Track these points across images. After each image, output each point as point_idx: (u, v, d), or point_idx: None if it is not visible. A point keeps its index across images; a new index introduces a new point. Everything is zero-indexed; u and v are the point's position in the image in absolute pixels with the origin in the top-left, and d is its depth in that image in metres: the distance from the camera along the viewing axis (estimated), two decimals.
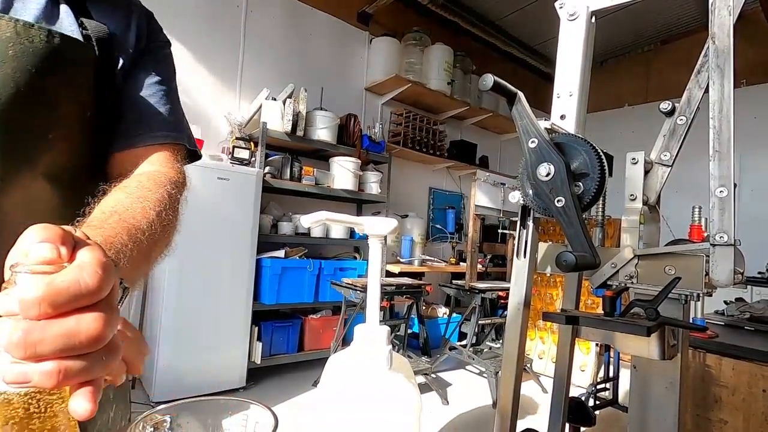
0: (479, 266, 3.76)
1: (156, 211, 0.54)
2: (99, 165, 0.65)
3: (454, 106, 4.60)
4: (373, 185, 3.80)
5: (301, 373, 3.21)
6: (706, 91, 0.84)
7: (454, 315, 3.97)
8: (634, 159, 1.05)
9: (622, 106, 5.80)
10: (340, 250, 3.84)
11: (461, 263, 4.35)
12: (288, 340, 3.23)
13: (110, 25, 0.64)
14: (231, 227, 2.82)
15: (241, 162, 3.05)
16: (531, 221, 0.94)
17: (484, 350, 3.40)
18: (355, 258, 3.80)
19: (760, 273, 3.64)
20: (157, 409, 0.39)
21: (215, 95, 3.36)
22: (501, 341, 3.58)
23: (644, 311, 0.84)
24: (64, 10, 0.60)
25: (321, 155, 3.73)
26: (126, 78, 0.67)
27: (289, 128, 3.23)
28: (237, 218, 2.85)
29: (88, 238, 0.32)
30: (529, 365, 3.43)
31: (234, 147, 3.07)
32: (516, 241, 0.96)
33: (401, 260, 4.03)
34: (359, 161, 3.65)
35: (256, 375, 3.03)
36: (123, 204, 0.52)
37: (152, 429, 0.37)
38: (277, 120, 3.18)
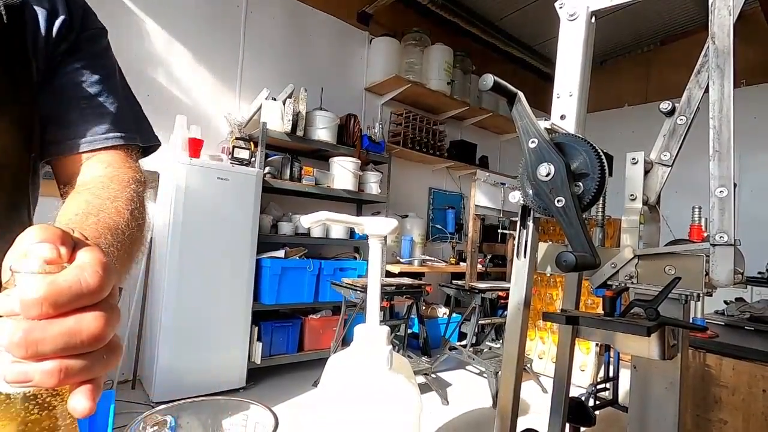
0: (479, 266, 3.76)
1: (129, 210, 0.53)
2: (35, 168, 0.61)
3: (454, 106, 4.60)
4: (373, 185, 3.80)
5: (301, 373, 3.21)
6: (706, 91, 0.84)
7: (454, 315, 3.97)
8: (634, 159, 1.05)
9: (622, 106, 5.80)
10: (340, 251, 3.84)
11: (461, 263, 4.35)
12: (288, 341, 3.23)
13: None
14: (231, 227, 2.82)
15: (241, 162, 3.05)
16: (531, 221, 0.94)
17: (484, 350, 3.40)
18: (355, 258, 3.80)
19: (760, 273, 3.63)
20: (157, 409, 0.39)
21: (215, 95, 3.37)
22: (501, 341, 3.58)
23: (644, 311, 0.84)
24: None
25: (321, 155, 3.73)
26: (63, 72, 0.61)
27: (289, 128, 3.23)
28: (237, 218, 2.85)
29: (86, 239, 0.32)
30: (529, 365, 3.43)
31: (234, 147, 3.07)
32: (516, 241, 0.96)
33: (401, 260, 4.03)
34: (359, 161, 3.66)
35: (256, 375, 3.03)
36: (94, 205, 0.50)
37: (152, 429, 0.37)
38: (277, 120, 3.18)
